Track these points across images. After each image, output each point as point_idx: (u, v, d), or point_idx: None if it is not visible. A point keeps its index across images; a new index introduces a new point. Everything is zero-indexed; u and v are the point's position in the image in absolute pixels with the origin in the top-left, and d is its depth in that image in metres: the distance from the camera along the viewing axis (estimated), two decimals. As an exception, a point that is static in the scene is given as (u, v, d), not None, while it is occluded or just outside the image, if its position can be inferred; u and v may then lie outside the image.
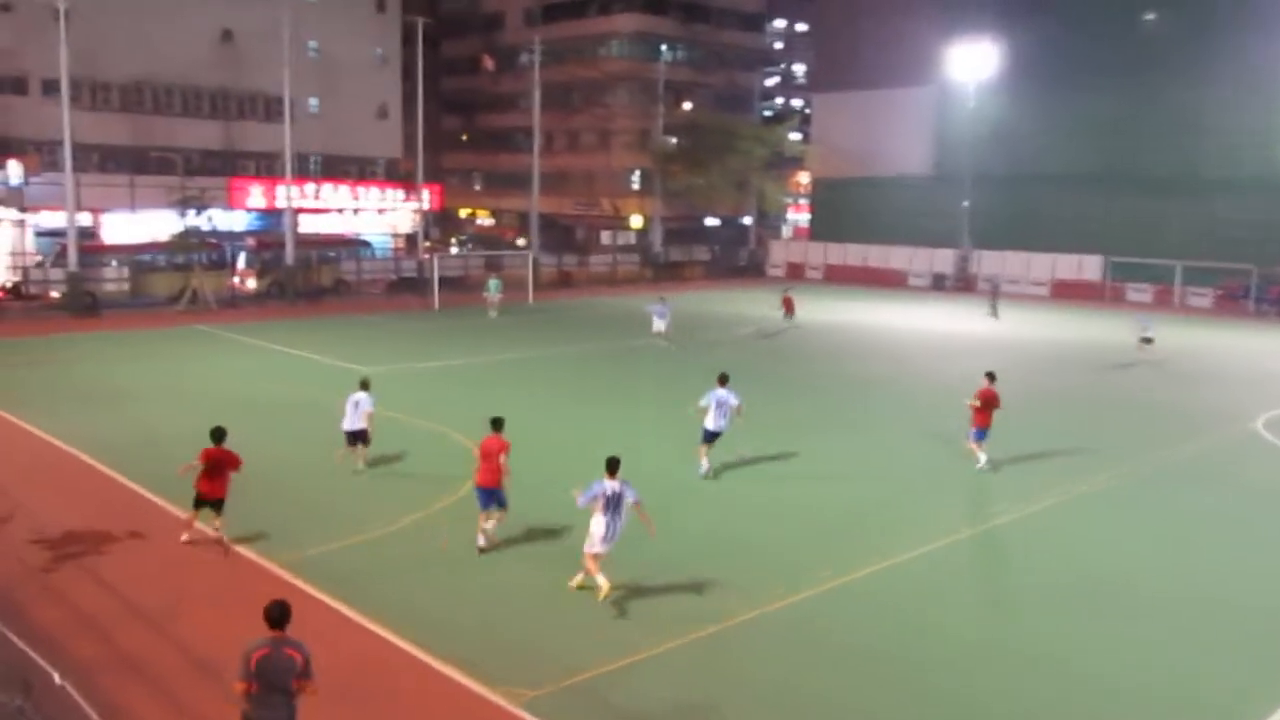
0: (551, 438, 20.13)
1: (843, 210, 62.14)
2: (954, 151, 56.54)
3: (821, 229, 64.23)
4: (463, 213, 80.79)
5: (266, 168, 52.45)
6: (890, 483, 17.57)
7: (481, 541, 13.77)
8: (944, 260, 56.22)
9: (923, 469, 18.35)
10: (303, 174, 52.32)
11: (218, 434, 13.85)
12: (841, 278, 59.00)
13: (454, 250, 62.52)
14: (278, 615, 8.10)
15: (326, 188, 52.07)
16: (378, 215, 55.38)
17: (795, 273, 62.57)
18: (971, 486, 17.35)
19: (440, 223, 73.43)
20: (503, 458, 13.45)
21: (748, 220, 67.39)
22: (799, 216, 75.81)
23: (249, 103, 52.75)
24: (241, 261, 45.30)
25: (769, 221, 73.29)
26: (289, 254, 43.60)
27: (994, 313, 42.60)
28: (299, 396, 23.67)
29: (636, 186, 69.13)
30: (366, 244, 50.67)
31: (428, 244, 54.96)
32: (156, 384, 24.65)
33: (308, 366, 27.93)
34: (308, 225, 50.80)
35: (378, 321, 37.98)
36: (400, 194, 55.32)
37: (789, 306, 37.25)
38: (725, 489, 16.81)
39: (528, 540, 14.24)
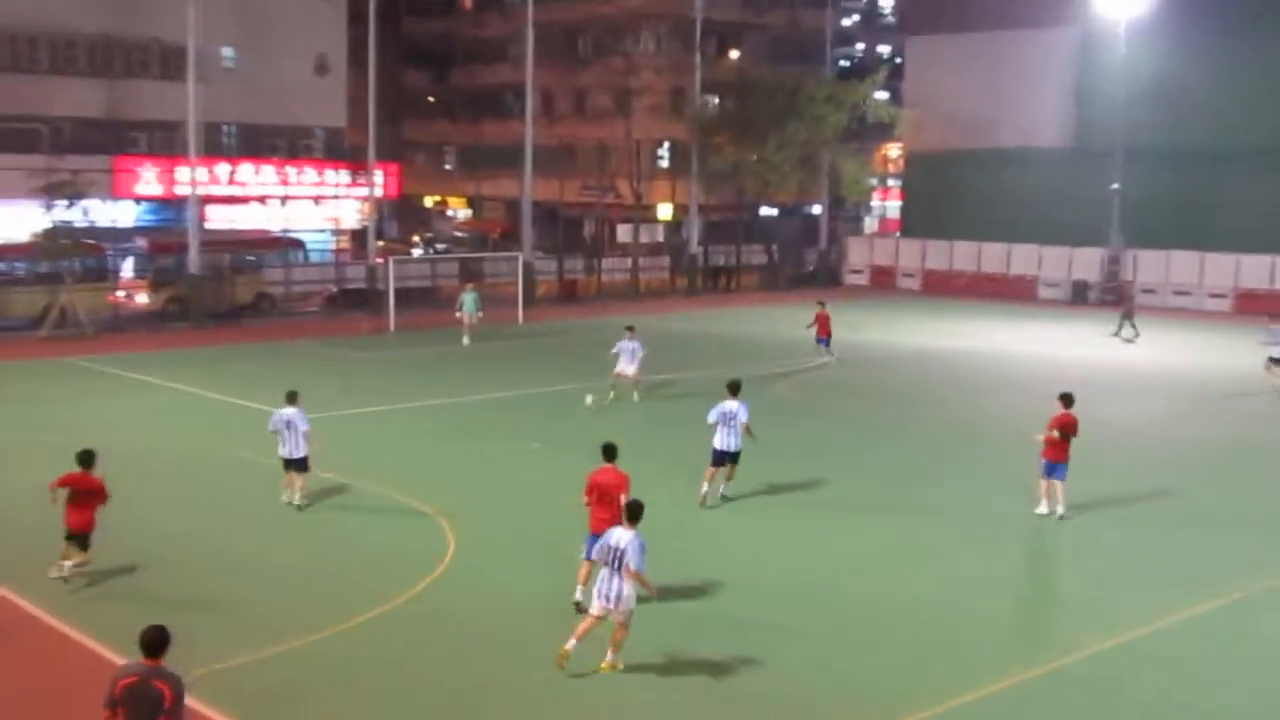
0: (562, 511, 20.30)
1: (947, 196, 62.32)
2: (1100, 116, 56.69)
3: (918, 221, 64.41)
4: (429, 201, 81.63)
5: (164, 143, 53.05)
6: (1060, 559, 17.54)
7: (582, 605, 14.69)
8: (1087, 263, 56.24)
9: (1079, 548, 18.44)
10: (213, 150, 53.05)
11: (84, 458, 16.15)
12: (945, 288, 59.10)
13: (417, 252, 63.09)
14: (152, 642, 9.15)
15: (245, 169, 52.77)
16: (315, 206, 56.07)
17: (882, 280, 62.73)
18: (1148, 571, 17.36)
19: (400, 215, 74.26)
20: (623, 497, 14.66)
21: (817, 210, 67.65)
22: (887, 204, 76.06)
23: (140, 55, 53.45)
24: (128, 270, 46.00)
25: (846, 211, 73.56)
26: (193, 259, 44.15)
27: (1125, 331, 42.58)
28: (209, 454, 23.90)
29: (666, 165, 69.61)
30: (299, 245, 51.31)
31: (382, 244, 55.49)
32: (9, 440, 24.95)
33: (220, 413, 28.19)
34: (220, 220, 51.54)
35: (314, 350, 38.34)
36: (345, 177, 55.99)
37: (823, 326, 36.36)
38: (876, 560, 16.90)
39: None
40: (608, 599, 13.15)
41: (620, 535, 13.12)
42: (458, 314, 39.99)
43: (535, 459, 23.99)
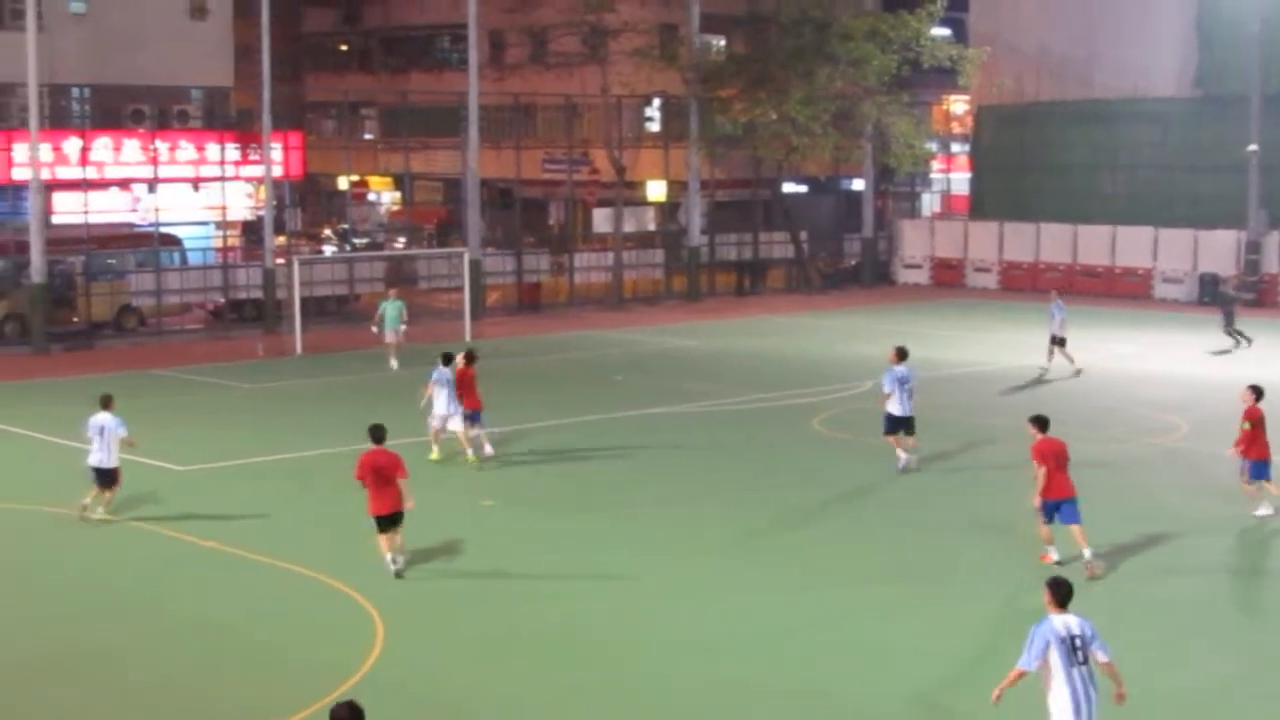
0: (550, 586, 20.67)
1: (1030, 164, 62.87)
2: (1230, 55, 57.29)
3: (993, 199, 64.94)
4: (344, 183, 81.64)
5: (-8, 110, 53.62)
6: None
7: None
8: (1218, 250, 56.72)
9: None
10: (60, 122, 53.43)
11: None
12: (1030, 283, 59.48)
13: (329, 250, 63.34)
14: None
15: (102, 144, 52.93)
16: (193, 192, 56.27)
17: (947, 277, 63.19)
18: None
19: (305, 201, 74.48)
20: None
21: (859, 185, 68.06)
22: (952, 177, 76.45)
23: (-39, -4, 53.96)
24: (-51, 280, 46.44)
25: (898, 186, 73.92)
26: (35, 264, 44.53)
27: (1231, 332, 43.43)
28: (45, 519, 24.34)
29: (656, 129, 69.94)
30: (174, 242, 51.77)
31: (282, 241, 55.84)
32: None
33: (66, 464, 28.44)
34: (70, 211, 51.70)
35: (195, 380, 38.72)
36: (233, 152, 56.28)
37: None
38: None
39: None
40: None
41: (1062, 623, 13.15)
42: (374, 329, 40.52)
43: (488, 517, 24.40)
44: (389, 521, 20.81)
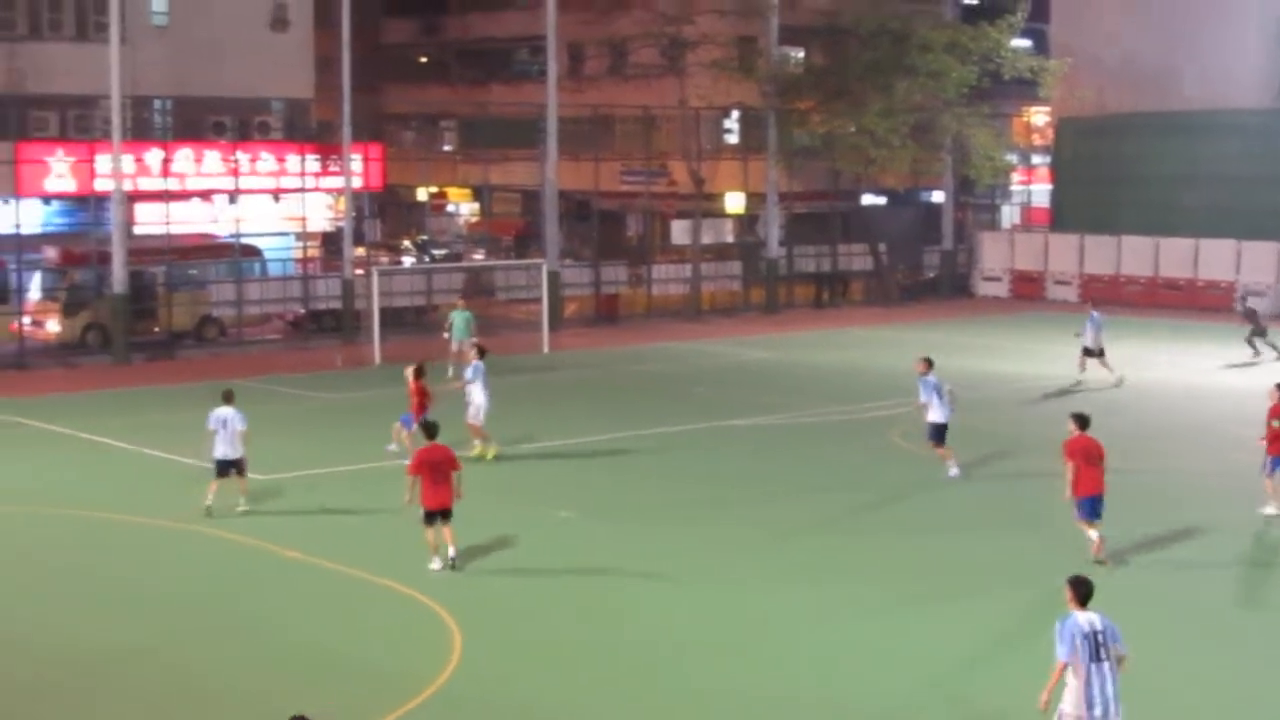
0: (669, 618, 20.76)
1: (1112, 176, 62.23)
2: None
3: (1073, 211, 64.42)
4: (423, 194, 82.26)
5: (78, 123, 54.25)
6: None
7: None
8: (1303, 264, 56.05)
9: None
10: (143, 133, 53.92)
11: None
12: (1111, 299, 58.82)
13: (408, 261, 63.65)
14: None
15: (183, 156, 53.50)
16: (273, 203, 56.72)
17: (1027, 290, 62.69)
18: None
19: (385, 213, 74.94)
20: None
21: (939, 197, 67.76)
22: (1032, 189, 75.92)
23: (49, 11, 54.71)
24: (34, 290, 46.98)
25: (978, 198, 73.47)
26: (117, 275, 45.06)
27: (1258, 345, 43.10)
28: (138, 531, 24.66)
29: (734, 140, 69.88)
30: (254, 253, 52.22)
31: (362, 251, 56.21)
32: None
33: (157, 475, 28.99)
34: (152, 222, 52.18)
35: (274, 391, 39.02)
36: (313, 163, 56.69)
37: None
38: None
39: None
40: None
41: (1085, 620, 13.70)
42: (445, 335, 40.76)
43: (566, 532, 24.53)
44: (442, 516, 21.81)
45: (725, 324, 54.98)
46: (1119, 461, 23.92)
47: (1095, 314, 39.80)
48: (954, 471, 27.71)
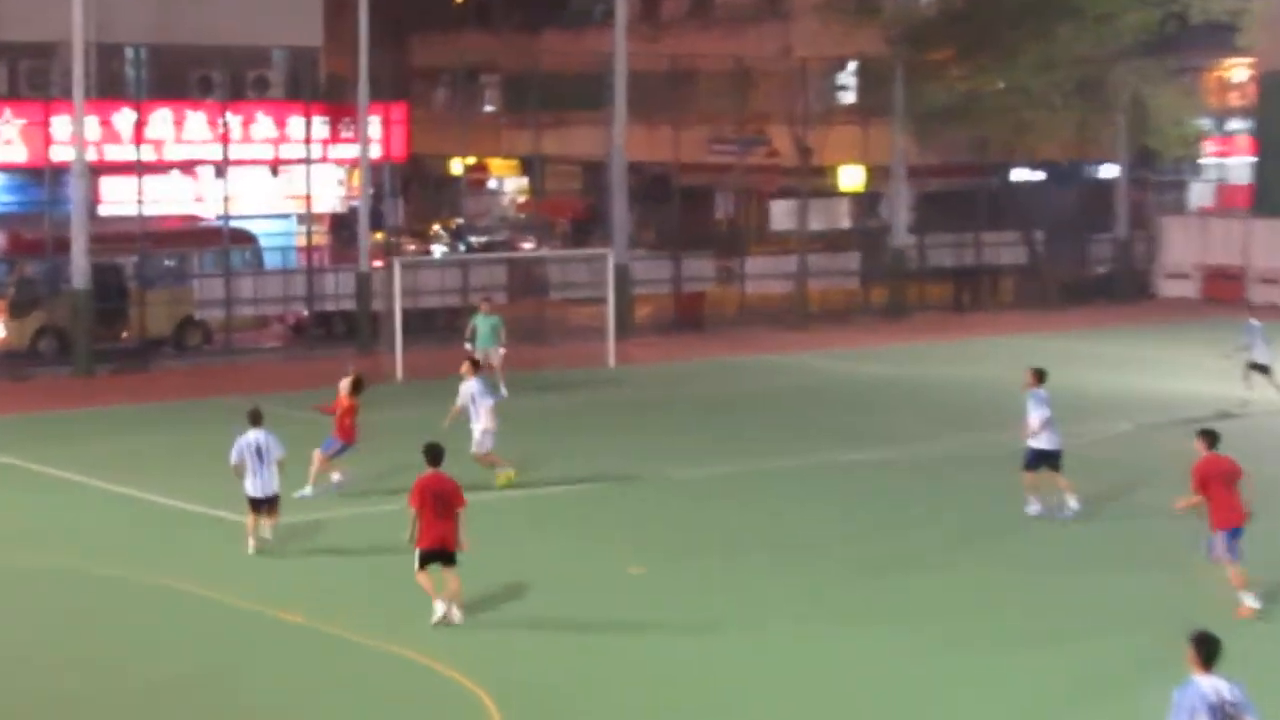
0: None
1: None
2: None
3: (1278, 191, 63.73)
4: (457, 167, 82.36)
5: (31, 78, 54.27)
6: None
7: None
8: None
9: None
10: (111, 90, 53.89)
11: None
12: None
13: (439, 251, 63.61)
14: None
15: (161, 118, 53.74)
16: (272, 177, 56.81)
17: (1222, 290, 61.89)
18: None
19: (410, 190, 74.95)
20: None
21: (1110, 173, 67.12)
22: (1228, 162, 75.10)
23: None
24: (-24, 284, 47.24)
25: (1161, 173, 72.71)
26: (77, 266, 45.09)
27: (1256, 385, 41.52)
28: (102, 588, 24.54)
29: (851, 100, 69.56)
30: (248, 240, 52.30)
31: (381, 238, 56.19)
32: None
33: (124, 514, 28.86)
34: (121, 201, 52.32)
35: (271, 411, 38.13)
36: (321, 128, 56.74)
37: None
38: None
39: None
40: None
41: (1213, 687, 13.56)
42: (467, 345, 40.63)
43: (636, 589, 24.28)
44: (444, 558, 21.80)
45: (838, 331, 54.79)
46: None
47: (1254, 323, 39.88)
48: (1073, 505, 28.06)
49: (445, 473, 22.20)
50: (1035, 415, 27.79)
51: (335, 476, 29.71)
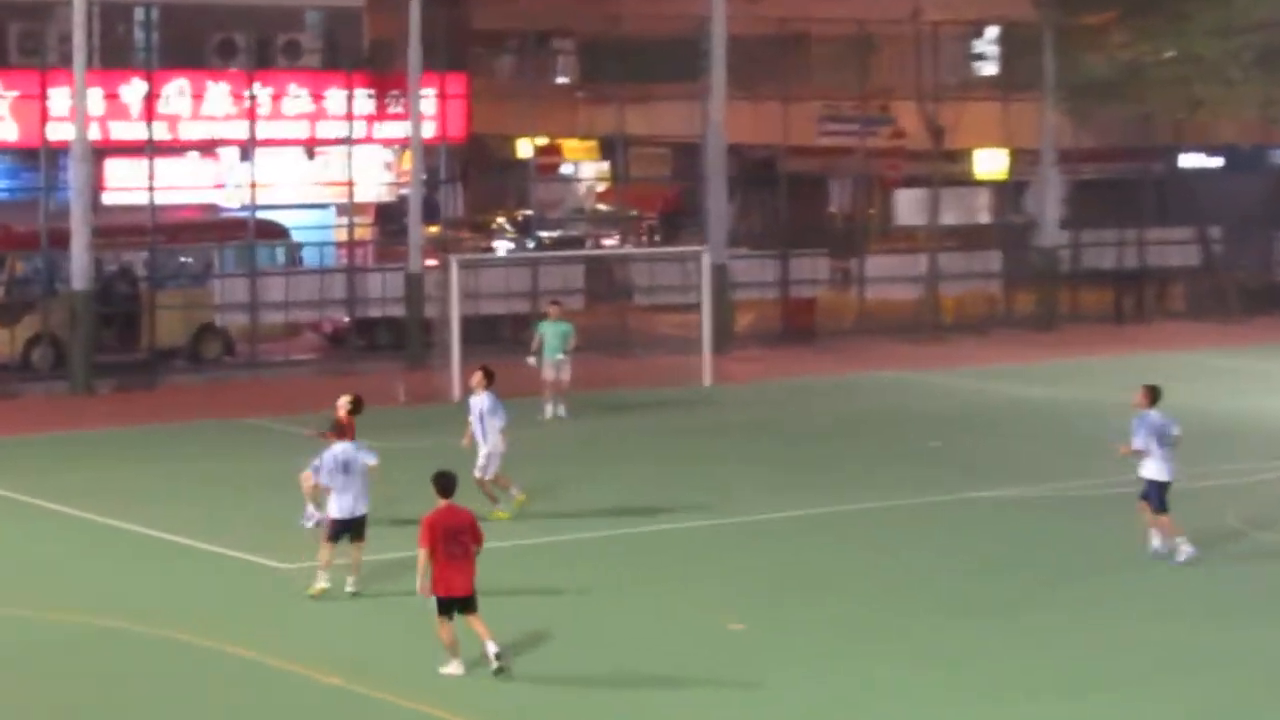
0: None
1: None
2: None
3: None
4: (525, 148, 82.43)
5: (23, 43, 54.53)
6: None
7: None
8: None
9: None
10: (117, 59, 54.25)
11: None
12: None
13: (503, 248, 63.73)
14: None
15: (175, 89, 53.96)
16: (306, 161, 57.05)
17: None
18: None
19: (470, 176, 75.09)
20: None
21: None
22: None
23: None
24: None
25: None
26: (77, 264, 45.32)
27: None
28: (106, 641, 24.58)
29: (989, 72, 69.32)
30: (279, 233, 52.62)
31: (435, 232, 56.24)
32: None
33: (129, 553, 29.02)
34: (129, 187, 52.51)
35: (303, 435, 38.79)
36: (365, 102, 56.91)
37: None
38: None
39: None
40: None
41: None
42: (531, 360, 41.16)
43: (738, 647, 24.19)
44: (463, 606, 21.94)
45: (976, 345, 54.97)
46: None
47: None
48: (1187, 550, 28.00)
49: (459, 505, 22.47)
50: (1137, 440, 27.70)
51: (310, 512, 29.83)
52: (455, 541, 21.78)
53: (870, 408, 43.61)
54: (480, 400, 30.81)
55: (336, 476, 25.44)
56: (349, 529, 25.64)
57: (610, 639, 24.10)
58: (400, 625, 25.05)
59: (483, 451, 30.64)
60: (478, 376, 31.21)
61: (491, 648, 21.76)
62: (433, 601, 21.83)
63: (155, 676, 23.10)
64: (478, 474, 30.55)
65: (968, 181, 65.83)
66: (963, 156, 65.85)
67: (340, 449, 25.61)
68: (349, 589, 25.73)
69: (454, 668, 21.84)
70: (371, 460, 25.75)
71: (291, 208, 54.25)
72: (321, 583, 25.61)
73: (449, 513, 22.14)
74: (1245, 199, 66.13)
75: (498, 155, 77.83)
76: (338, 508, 25.55)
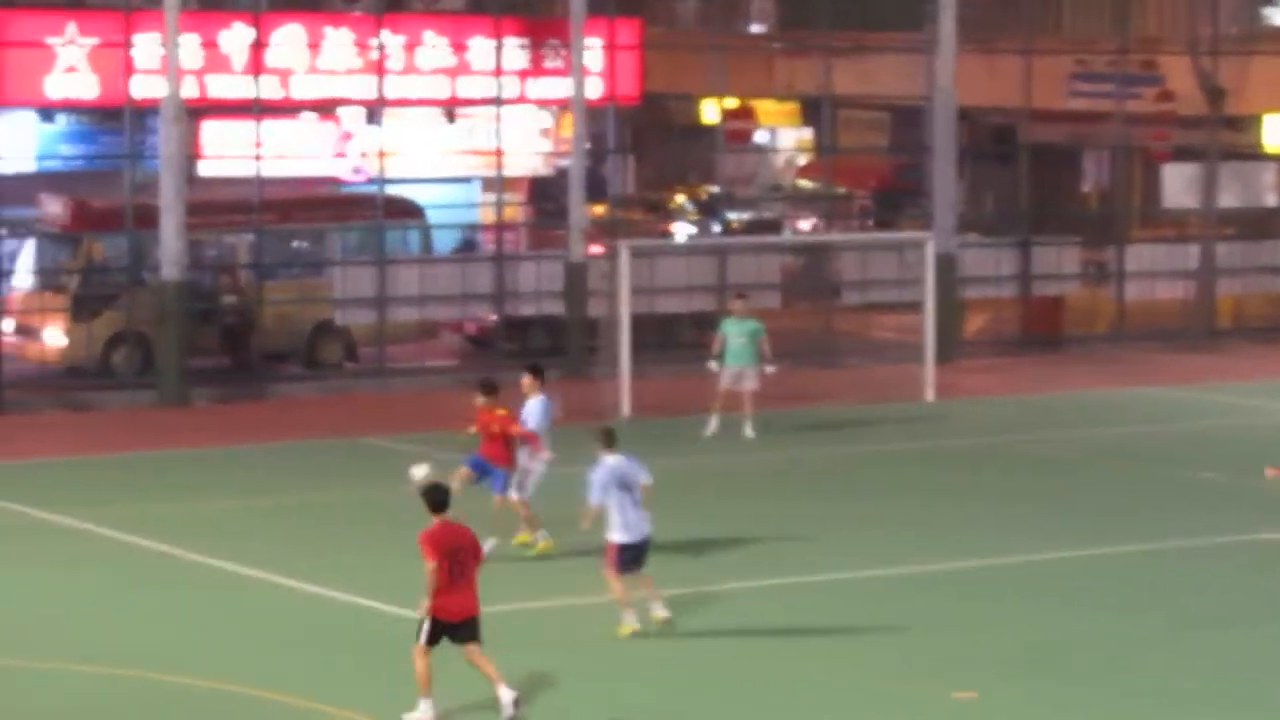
0: None
1: None
2: None
3: None
4: (710, 112, 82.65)
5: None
6: None
7: None
8: None
9: None
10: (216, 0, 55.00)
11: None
12: None
13: (684, 232, 63.80)
14: None
15: (285, 36, 54.23)
16: (445, 125, 57.36)
17: None
18: None
19: (642, 144, 75.31)
20: None
21: None
22: None
23: None
24: (22, 273, 48.36)
25: None
26: (168, 249, 45.66)
27: None
28: (202, 703, 24.46)
29: (1281, 22, 68.94)
30: (412, 213, 52.98)
31: (601, 212, 56.40)
32: None
33: (232, 598, 29.05)
34: (227, 155, 52.95)
35: (442, 458, 38.43)
36: (517, 54, 57.09)
37: None
38: None
39: None
40: None
41: None
42: (712, 365, 41.33)
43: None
44: (465, 634, 22.37)
45: (1260, 355, 54.92)
46: None
47: None
48: None
49: (456, 522, 22.69)
50: None
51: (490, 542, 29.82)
52: (454, 560, 22.10)
53: (1129, 432, 43.55)
54: (534, 404, 31.11)
55: (616, 494, 26.15)
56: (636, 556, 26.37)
57: (812, 701, 23.95)
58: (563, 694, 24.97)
59: (541, 464, 31.17)
60: (527, 379, 31.54)
61: (506, 694, 22.11)
62: (423, 625, 21.94)
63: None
64: (513, 492, 31.09)
65: (1253, 155, 65.35)
66: (1247, 124, 65.45)
67: (614, 462, 26.37)
68: (659, 615, 26.39)
69: (424, 711, 21.95)
70: (647, 478, 26.55)
71: (427, 182, 54.52)
72: (630, 621, 26.23)
73: (446, 529, 22.40)
74: None
75: (677, 120, 78.20)
76: (619, 531, 26.21)
